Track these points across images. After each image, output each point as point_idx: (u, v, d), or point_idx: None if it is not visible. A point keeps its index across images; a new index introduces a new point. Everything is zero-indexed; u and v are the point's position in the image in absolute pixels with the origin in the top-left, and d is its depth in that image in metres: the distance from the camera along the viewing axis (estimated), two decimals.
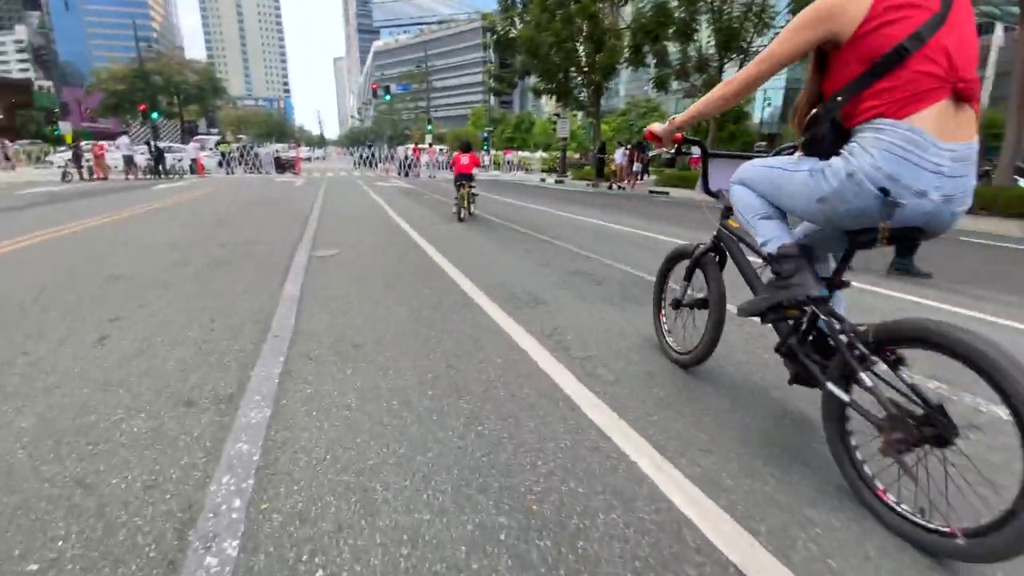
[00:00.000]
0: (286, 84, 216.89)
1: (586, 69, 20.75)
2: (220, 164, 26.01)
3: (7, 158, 27.04)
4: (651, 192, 17.11)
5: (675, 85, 18.70)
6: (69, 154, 20.55)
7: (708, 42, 16.56)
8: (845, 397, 1.40)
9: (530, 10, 18.50)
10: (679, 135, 1.90)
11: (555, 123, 34.74)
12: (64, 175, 18.13)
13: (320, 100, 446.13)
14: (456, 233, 6.62)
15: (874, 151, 1.28)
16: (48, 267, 4.34)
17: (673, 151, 2.01)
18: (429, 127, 43.66)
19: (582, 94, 22.52)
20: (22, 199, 10.88)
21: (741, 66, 16.19)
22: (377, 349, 2.55)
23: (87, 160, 19.50)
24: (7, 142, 28.92)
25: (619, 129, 42.43)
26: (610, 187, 18.89)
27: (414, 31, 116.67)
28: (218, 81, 55.10)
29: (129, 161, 20.32)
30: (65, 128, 32.26)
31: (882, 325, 1.35)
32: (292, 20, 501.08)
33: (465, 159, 8.03)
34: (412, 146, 28.48)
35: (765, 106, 45.05)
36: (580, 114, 28.80)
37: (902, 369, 1.31)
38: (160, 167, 20.68)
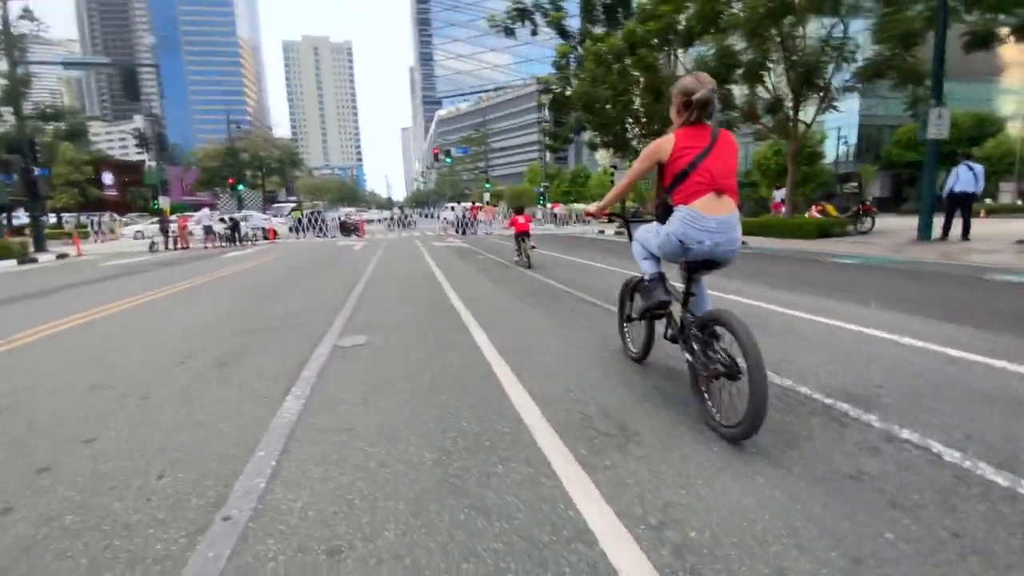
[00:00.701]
0: (359, 153, 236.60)
1: (644, 120, 20.08)
2: (291, 229, 27.46)
3: (111, 230, 30.15)
4: None
5: (743, 128, 17.46)
6: (154, 227, 22.30)
7: (778, 81, 15.38)
8: (689, 357, 2.49)
9: (585, 66, 18.27)
10: (606, 212, 3.16)
11: (612, 175, 34.22)
12: (151, 245, 19.49)
13: (388, 166, 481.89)
14: (511, 306, 5.66)
15: (675, 221, 2.41)
16: (44, 366, 3.79)
17: (607, 220, 3.79)
18: (487, 186, 44.76)
19: (640, 145, 21.77)
20: (103, 271, 11.35)
21: (821, 101, 14.80)
22: (365, 562, 1.52)
23: (173, 231, 21.01)
24: (112, 216, 32.33)
25: None
26: None
27: (473, 99, 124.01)
28: (296, 155, 60.30)
29: (208, 231, 21.69)
30: (163, 202, 35.89)
31: (705, 314, 2.47)
32: (365, 95, 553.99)
33: (521, 219, 9.87)
34: (470, 204, 28.75)
35: (841, 144, 42.29)
36: (626, 164, 28.07)
37: (715, 340, 2.34)
38: (236, 235, 21.90)
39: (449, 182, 78.84)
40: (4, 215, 21.97)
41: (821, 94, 14.69)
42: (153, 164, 34.42)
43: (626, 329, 3.56)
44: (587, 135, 24.27)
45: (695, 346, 2.43)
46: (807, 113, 15.87)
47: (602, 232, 24.29)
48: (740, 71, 14.37)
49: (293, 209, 32.62)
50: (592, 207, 3.00)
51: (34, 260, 16.12)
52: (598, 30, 21.79)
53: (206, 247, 20.56)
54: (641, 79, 18.41)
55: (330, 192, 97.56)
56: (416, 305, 5.86)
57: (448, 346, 4.02)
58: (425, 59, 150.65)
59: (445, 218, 25.80)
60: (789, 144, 16.14)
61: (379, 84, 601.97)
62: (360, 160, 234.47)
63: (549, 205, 39.61)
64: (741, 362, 2.11)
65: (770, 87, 15.40)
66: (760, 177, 35.96)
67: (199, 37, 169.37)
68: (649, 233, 2.81)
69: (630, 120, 20.85)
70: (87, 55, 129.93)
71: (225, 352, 3.98)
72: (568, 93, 17.61)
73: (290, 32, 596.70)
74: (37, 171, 18.00)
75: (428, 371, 3.41)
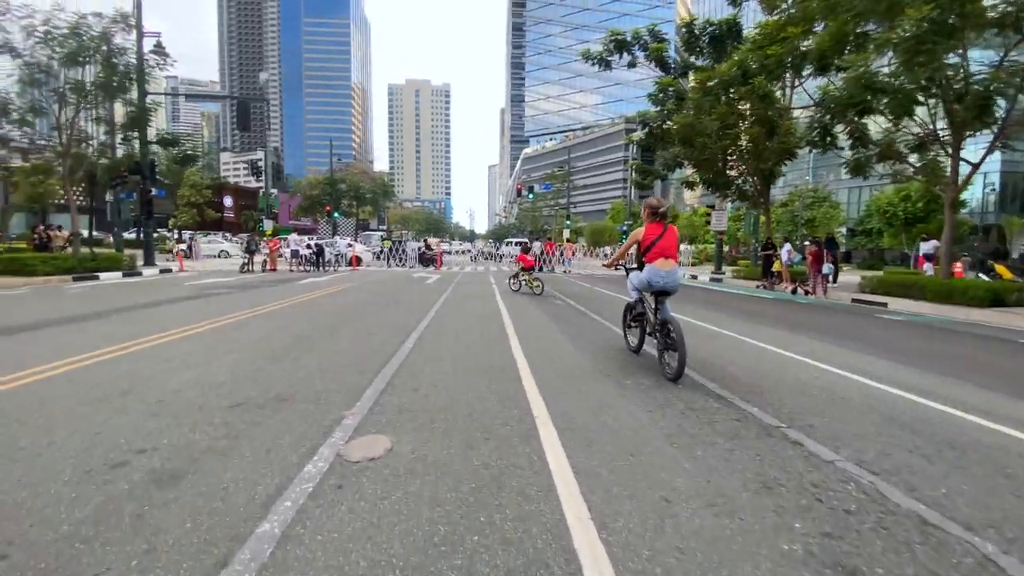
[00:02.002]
0: (448, 187, 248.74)
1: (747, 156, 17.85)
2: (376, 257, 27.91)
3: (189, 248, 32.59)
4: (855, 301, 12.84)
5: (879, 168, 14.68)
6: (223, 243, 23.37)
7: (934, 113, 12.71)
8: (657, 339, 4.83)
9: (689, 97, 16.59)
10: (614, 264, 5.81)
11: (707, 215, 31.54)
12: (242, 267, 20.23)
13: (474, 200, 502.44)
14: (602, 395, 4.08)
15: (645, 272, 4.73)
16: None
17: (614, 269, 5.91)
18: (568, 222, 43.60)
19: (745, 183, 19.43)
20: (179, 292, 11.28)
21: (995, 139, 11.94)
22: None
23: (265, 253, 21.87)
24: (193, 235, 35.01)
25: (779, 221, 37.31)
26: (793, 291, 14.89)
27: (559, 138, 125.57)
28: (389, 187, 63.59)
29: (295, 255, 22.34)
30: (267, 225, 38.66)
31: (663, 318, 4.68)
32: (458, 134, 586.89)
33: (529, 256, 12.24)
34: (548, 241, 27.57)
35: (986, 192, 36.24)
36: (730, 204, 25.41)
37: (668, 331, 4.53)
38: (320, 260, 22.36)
39: (530, 217, 78.84)
40: (123, 230, 24.23)
41: (995, 130, 11.82)
42: (272, 192, 37.43)
43: (628, 333, 5.92)
44: (680, 173, 22.34)
45: (658, 334, 4.80)
46: (974, 151, 12.95)
47: (694, 277, 21.90)
48: (885, 100, 11.96)
49: (384, 238, 33.71)
50: (607, 261, 6.00)
51: (138, 273, 17.12)
52: (700, 62, 20.18)
53: (291, 270, 21.05)
54: (749, 112, 16.41)
55: (418, 222, 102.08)
56: (474, 377, 4.47)
57: (505, 472, 2.54)
58: (516, 100, 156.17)
59: (533, 253, 24.78)
60: (942, 188, 13.21)
61: (471, 124, 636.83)
62: (448, 194, 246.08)
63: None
64: (676, 339, 4.39)
65: (921, 120, 12.77)
66: (883, 226, 31.43)
67: (319, 83, 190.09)
68: (635, 277, 5.11)
69: (731, 156, 18.70)
70: (226, 96, 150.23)
71: (185, 451, 2.77)
72: (666, 126, 15.98)
73: (396, 74, 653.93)
74: (153, 191, 19.54)
75: (470, 531, 1.94)
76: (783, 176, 22.86)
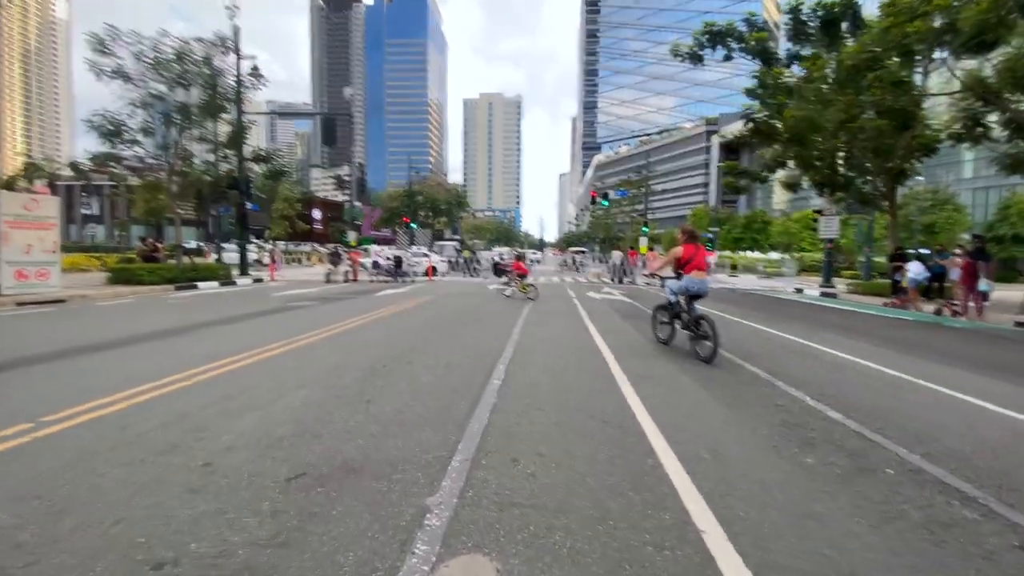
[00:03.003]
0: (518, 197, 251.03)
1: (871, 153, 15.31)
2: (452, 267, 27.81)
3: (273, 259, 34.19)
4: (1020, 325, 10.33)
5: None
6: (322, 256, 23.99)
7: None
8: (689, 332, 6.41)
9: (802, 86, 14.45)
10: (656, 273, 8.57)
11: (815, 218, 28.09)
12: (327, 277, 20.67)
13: (543, 208, 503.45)
14: (796, 493, 2.87)
15: (684, 280, 6.38)
16: None
17: (651, 276, 12.79)
18: (645, 230, 41.38)
19: (866, 184, 16.80)
20: (263, 304, 11.27)
21: None
22: None
23: (349, 263, 22.30)
24: (275, 245, 36.79)
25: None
26: (937, 312, 12.34)
27: (633, 143, 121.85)
28: (463, 197, 64.52)
29: (376, 265, 22.59)
30: (351, 236, 40.32)
31: (695, 315, 6.35)
32: (528, 143, 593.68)
33: (523, 264, 13.86)
34: (630, 250, 25.93)
35: None
36: (835, 208, 22.33)
37: (699, 325, 6.21)
38: (398, 271, 22.40)
39: (602, 225, 76.46)
40: (223, 241, 25.90)
41: None
42: (356, 204, 39.16)
43: (657, 329, 7.38)
44: (782, 174, 19.94)
45: (690, 327, 6.28)
46: None
47: (800, 291, 19.37)
48: None
49: (462, 248, 33.94)
50: (650, 268, 10.70)
51: (233, 283, 17.94)
52: (806, 52, 17.88)
53: (371, 281, 21.27)
54: (877, 102, 14.02)
55: (489, 232, 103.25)
56: (589, 442, 3.41)
57: None
58: (588, 107, 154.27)
59: (613, 263, 23.45)
60: None
61: (542, 133, 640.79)
62: (519, 203, 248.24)
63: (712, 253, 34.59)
64: (708, 331, 5.91)
65: None
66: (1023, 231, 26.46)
67: (399, 101, 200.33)
68: (673, 283, 6.58)
69: (849, 153, 16.18)
70: (314, 112, 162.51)
71: (213, 569, 1.99)
72: (772, 121, 14.00)
73: (470, 87, 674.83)
74: (249, 206, 20.59)
75: None
76: (917, 175, 19.68)
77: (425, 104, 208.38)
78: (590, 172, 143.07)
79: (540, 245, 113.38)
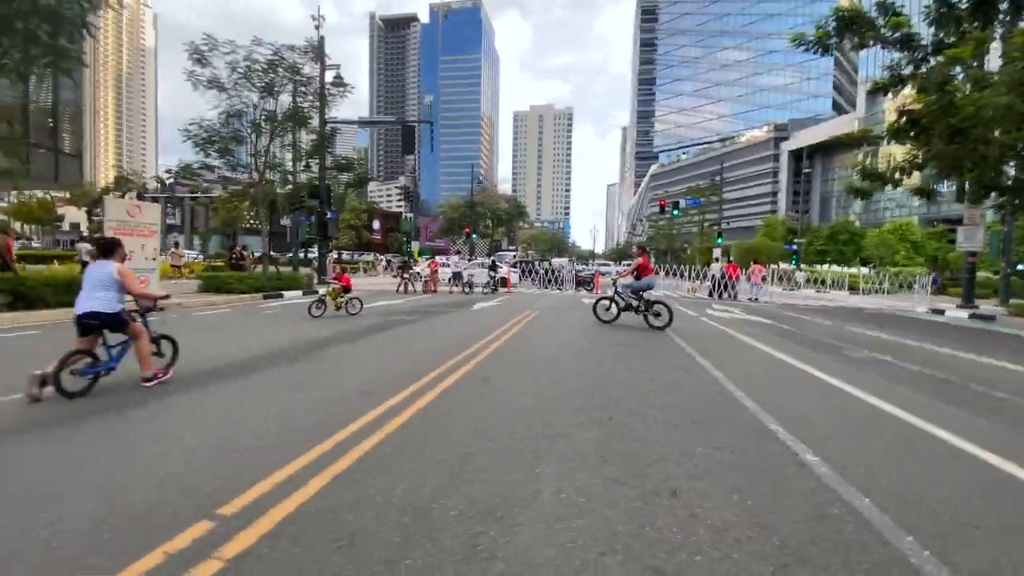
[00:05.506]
0: (567, 208, 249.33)
1: None
2: (521, 278, 26.60)
3: (372, 266, 34.09)
4: None
5: None
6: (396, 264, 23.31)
7: None
8: (643, 314, 9.93)
9: (1000, 72, 11.93)
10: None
11: (953, 231, 24.78)
12: (399, 287, 19.87)
13: (590, 219, 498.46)
14: None
15: (643, 279, 10.13)
16: None
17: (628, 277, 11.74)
18: (719, 240, 38.72)
19: None
20: (364, 318, 10.32)
21: None
22: None
23: (425, 275, 21.40)
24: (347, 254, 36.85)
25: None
26: None
27: (693, 151, 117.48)
28: (523, 207, 63.74)
29: (457, 277, 21.61)
30: (414, 247, 40.25)
31: (649, 300, 10.11)
32: (577, 154, 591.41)
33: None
34: (729, 263, 23.74)
35: None
36: (964, 215, 19.25)
37: (653, 306, 9.86)
38: (496, 284, 21.24)
39: (665, 236, 73.31)
40: (301, 251, 25.89)
41: None
42: (410, 215, 39.08)
43: (601, 314, 10.37)
44: (917, 176, 17.38)
45: (643, 309, 9.87)
46: None
47: (940, 312, 16.69)
48: None
49: (542, 260, 33.03)
50: (624, 278, 11.56)
51: (314, 292, 17.44)
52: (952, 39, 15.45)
53: (450, 292, 20.31)
54: None
55: (542, 243, 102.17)
56: None
57: None
58: (643, 116, 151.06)
59: (713, 277, 21.41)
60: None
61: (588, 145, 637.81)
62: (567, 213, 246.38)
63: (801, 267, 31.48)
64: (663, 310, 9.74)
65: None
66: None
67: (452, 114, 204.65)
68: (634, 283, 10.02)
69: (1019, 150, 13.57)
70: (376, 128, 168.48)
71: None
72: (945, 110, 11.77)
73: (521, 99, 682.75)
74: (329, 215, 20.24)
75: None
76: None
77: (478, 118, 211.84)
78: (644, 182, 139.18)
79: (591, 256, 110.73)
